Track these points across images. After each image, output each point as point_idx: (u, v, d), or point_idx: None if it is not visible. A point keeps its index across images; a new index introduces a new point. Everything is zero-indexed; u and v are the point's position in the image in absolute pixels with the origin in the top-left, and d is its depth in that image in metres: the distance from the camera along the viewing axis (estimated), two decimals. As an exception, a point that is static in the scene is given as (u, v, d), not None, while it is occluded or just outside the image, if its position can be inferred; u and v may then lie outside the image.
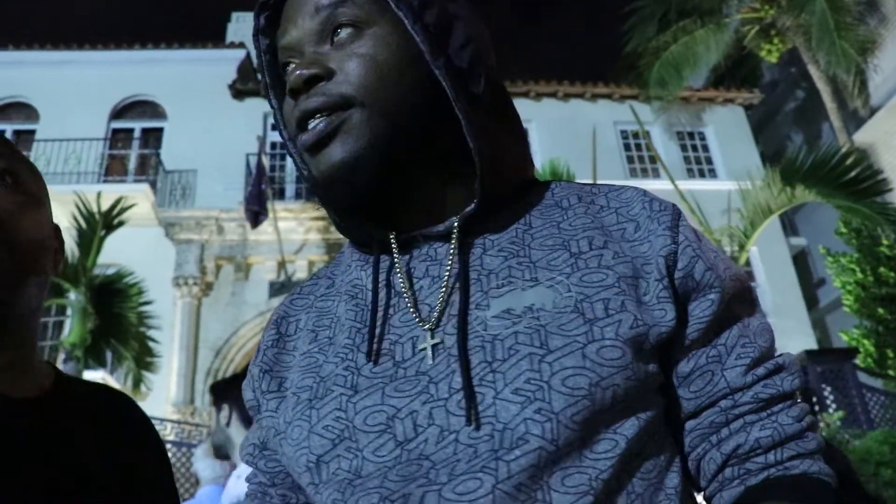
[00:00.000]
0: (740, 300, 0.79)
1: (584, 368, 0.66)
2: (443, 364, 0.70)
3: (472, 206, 0.77)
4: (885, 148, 15.16)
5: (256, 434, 0.86)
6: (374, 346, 0.75)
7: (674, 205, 0.81)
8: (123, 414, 1.09)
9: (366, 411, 0.70)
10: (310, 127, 0.75)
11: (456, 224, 0.77)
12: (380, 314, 0.77)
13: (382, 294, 0.78)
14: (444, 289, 0.75)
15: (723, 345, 0.76)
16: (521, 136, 0.87)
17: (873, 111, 15.24)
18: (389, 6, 0.77)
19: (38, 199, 0.98)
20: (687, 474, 0.77)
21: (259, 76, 0.87)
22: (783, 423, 0.74)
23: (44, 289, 0.99)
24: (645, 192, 0.82)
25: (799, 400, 0.78)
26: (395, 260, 0.79)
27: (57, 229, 1.04)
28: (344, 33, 0.77)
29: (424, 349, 0.72)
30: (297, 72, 0.75)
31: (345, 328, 0.79)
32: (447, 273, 0.76)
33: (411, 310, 0.75)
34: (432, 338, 0.72)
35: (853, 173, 8.01)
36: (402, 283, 0.77)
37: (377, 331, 0.75)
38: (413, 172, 0.78)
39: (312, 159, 0.77)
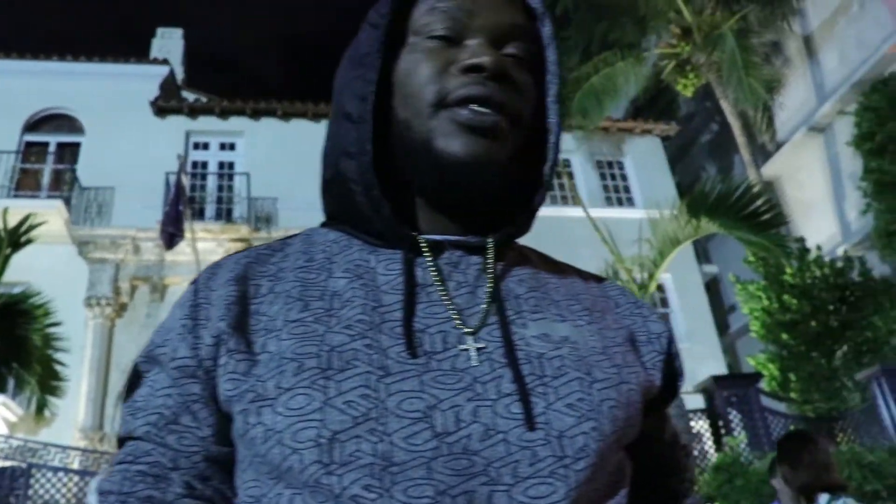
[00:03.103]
0: None
1: (621, 404, 0.74)
2: (486, 367, 0.72)
3: (525, 217, 0.86)
4: (789, 181, 15.94)
5: (161, 402, 0.76)
6: (406, 331, 0.74)
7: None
8: None
9: (402, 395, 0.68)
10: (476, 108, 0.77)
11: (492, 241, 0.82)
12: (403, 297, 0.76)
13: (401, 281, 0.78)
14: (476, 297, 0.78)
15: (674, 420, 0.94)
16: None
17: (779, 146, 16.01)
18: (540, 58, 0.86)
19: None
20: None
21: (375, 29, 0.83)
22: (697, 500, 0.95)
23: None
24: (607, 279, 0.98)
25: None
26: (426, 256, 0.80)
27: None
28: (514, 55, 0.81)
29: (467, 350, 0.73)
30: (496, 59, 0.78)
31: (354, 304, 0.75)
32: (477, 283, 0.80)
33: (442, 304, 0.76)
34: (475, 341, 0.74)
35: (753, 206, 8.37)
36: (431, 276, 0.78)
37: (405, 314, 0.75)
38: None
39: (460, 134, 0.77)
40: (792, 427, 10.24)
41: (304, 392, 0.68)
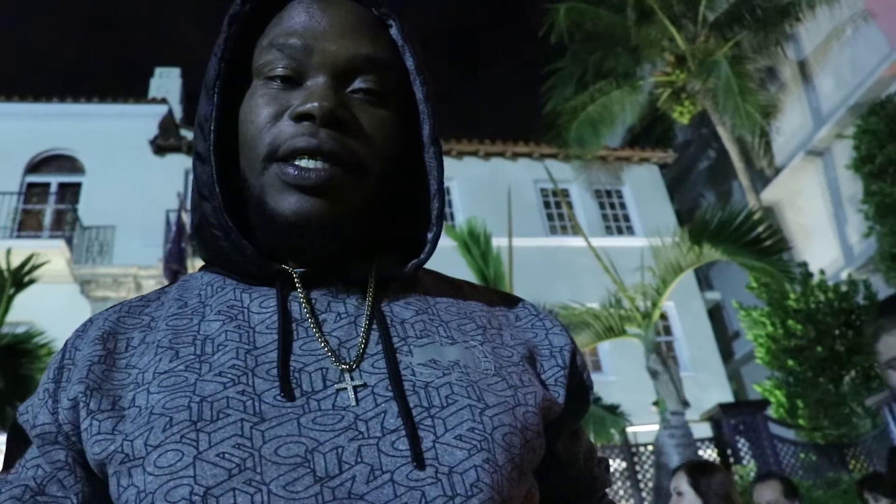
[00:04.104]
0: None
1: (516, 429, 0.70)
2: (369, 402, 0.68)
3: (413, 264, 0.80)
4: (789, 206, 15.97)
5: (30, 474, 0.72)
6: (283, 374, 0.69)
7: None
8: None
9: (278, 441, 0.64)
10: (302, 163, 0.72)
11: (373, 272, 0.78)
12: (278, 336, 0.72)
13: (276, 319, 0.74)
14: (357, 327, 0.74)
15: (585, 434, 0.90)
16: None
17: (778, 171, 16.07)
18: (405, 86, 0.80)
19: None
20: None
21: (212, 71, 0.77)
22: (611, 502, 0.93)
23: None
24: (520, 298, 0.93)
25: None
26: (299, 290, 0.76)
27: None
28: (365, 90, 0.76)
29: (345, 388, 0.69)
30: (328, 106, 0.72)
31: (227, 348, 0.71)
32: (358, 313, 0.76)
33: (319, 340, 0.72)
34: (352, 377, 0.70)
35: (755, 233, 8.35)
36: (305, 312, 0.74)
37: (280, 356, 0.70)
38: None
39: (287, 193, 0.72)
40: (801, 455, 10.15)
41: (173, 448, 0.64)
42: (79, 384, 0.71)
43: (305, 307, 0.74)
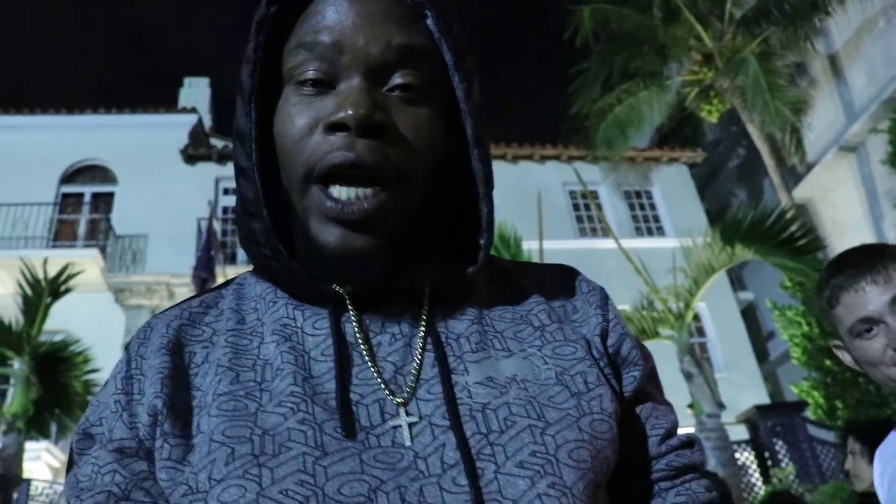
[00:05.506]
0: (652, 377, 0.83)
1: (584, 441, 0.66)
2: (427, 436, 0.66)
3: (467, 273, 0.76)
4: (822, 203, 15.71)
5: (108, 479, 0.69)
6: (343, 410, 0.67)
7: (601, 287, 0.86)
8: None
9: (341, 478, 0.62)
10: (343, 196, 0.68)
11: (428, 287, 0.75)
12: (335, 366, 0.69)
13: (330, 344, 0.71)
14: (412, 349, 0.72)
15: (638, 416, 0.79)
16: None
17: (810, 167, 15.82)
18: (447, 82, 0.74)
19: None
20: None
21: (246, 78, 0.73)
22: (696, 491, 0.76)
23: None
24: (574, 272, 0.87)
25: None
26: (351, 311, 0.73)
27: None
28: (404, 86, 0.71)
29: (400, 425, 0.66)
30: (362, 111, 0.66)
31: (285, 374, 0.69)
32: (412, 333, 0.73)
33: (371, 368, 0.70)
34: (408, 411, 0.67)
35: (788, 232, 8.24)
36: (359, 336, 0.72)
37: (339, 391, 0.68)
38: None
39: (330, 226, 0.69)
40: (841, 457, 9.98)
41: (237, 483, 0.62)
42: (156, 399, 0.69)
43: (358, 331, 0.72)
